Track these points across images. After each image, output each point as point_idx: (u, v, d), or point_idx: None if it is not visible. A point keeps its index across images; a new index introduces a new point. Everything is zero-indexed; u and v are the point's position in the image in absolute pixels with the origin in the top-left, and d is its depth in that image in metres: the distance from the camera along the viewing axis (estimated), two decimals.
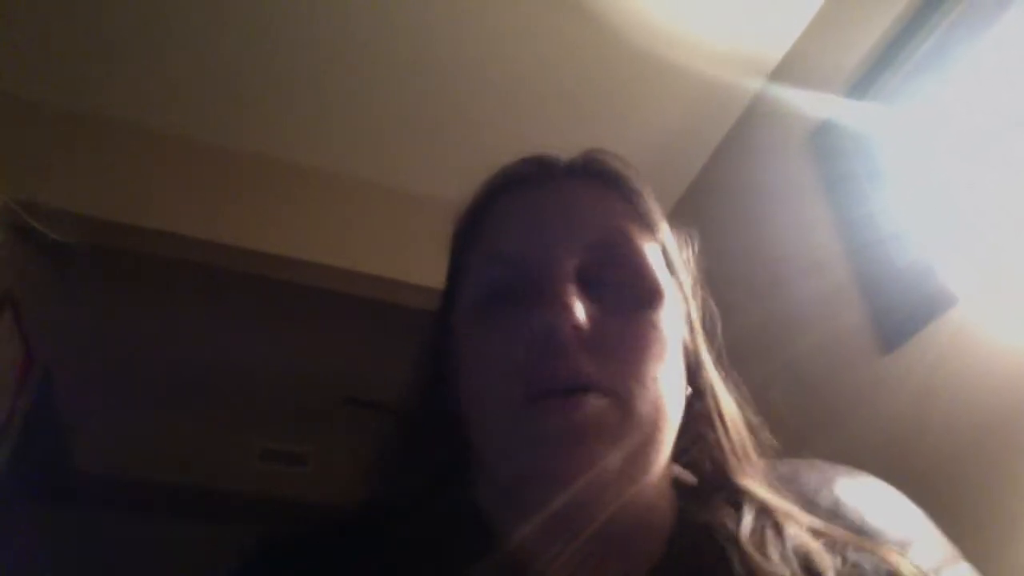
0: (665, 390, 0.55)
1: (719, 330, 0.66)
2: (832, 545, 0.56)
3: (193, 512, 2.78)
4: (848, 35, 1.54)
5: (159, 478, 2.81)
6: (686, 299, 0.63)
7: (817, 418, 1.33)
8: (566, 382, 0.51)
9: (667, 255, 0.61)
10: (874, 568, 0.55)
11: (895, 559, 0.56)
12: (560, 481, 0.50)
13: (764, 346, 1.48)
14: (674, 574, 0.55)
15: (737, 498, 0.58)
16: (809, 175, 1.55)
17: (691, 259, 0.66)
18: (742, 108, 1.88)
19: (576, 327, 0.52)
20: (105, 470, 2.75)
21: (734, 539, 0.55)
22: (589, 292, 0.55)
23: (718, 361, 0.64)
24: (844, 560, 0.55)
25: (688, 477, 0.62)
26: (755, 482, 0.60)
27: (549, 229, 0.58)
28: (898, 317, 1.25)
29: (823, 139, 1.53)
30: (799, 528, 0.57)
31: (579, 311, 0.52)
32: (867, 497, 0.66)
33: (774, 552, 0.54)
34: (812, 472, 0.68)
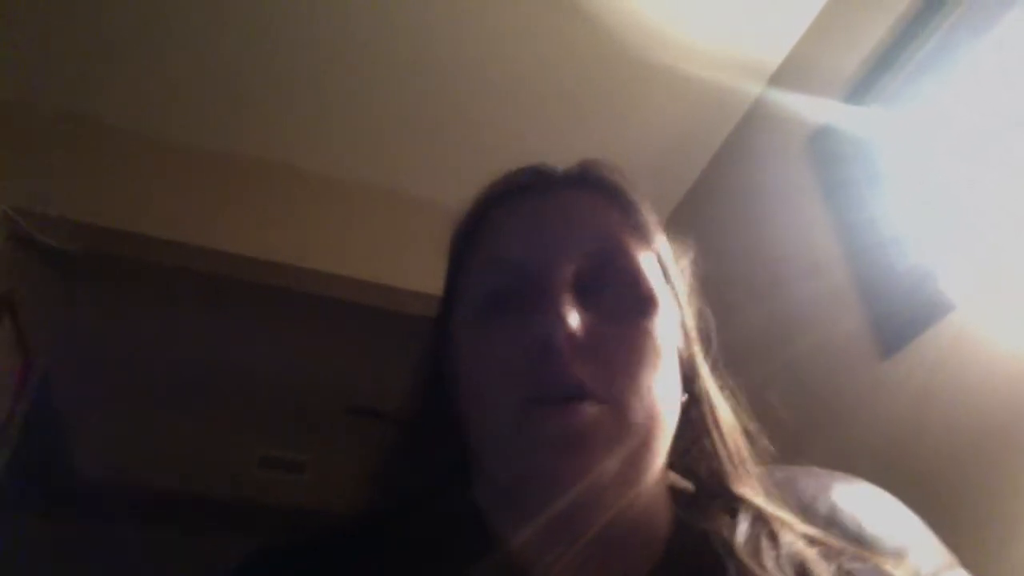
0: (660, 397, 0.55)
1: (715, 337, 0.66)
2: (827, 553, 0.57)
3: (190, 518, 2.78)
4: (848, 38, 1.54)
5: (157, 484, 2.81)
6: (681, 307, 0.63)
7: (816, 422, 1.33)
8: (562, 389, 0.52)
9: (662, 264, 0.62)
10: None
11: (891, 568, 0.56)
12: (559, 484, 0.51)
13: (763, 350, 1.48)
14: None
15: (733, 505, 0.59)
16: (809, 179, 1.55)
17: (687, 268, 0.67)
18: (742, 111, 1.88)
19: (571, 335, 0.52)
20: (103, 475, 2.75)
21: (730, 547, 0.55)
22: (585, 300, 0.55)
23: (714, 368, 0.65)
24: (839, 568, 0.55)
25: (685, 484, 0.63)
26: (751, 489, 0.60)
27: (547, 237, 0.59)
28: (897, 322, 1.25)
29: (823, 143, 1.53)
30: (795, 536, 0.57)
31: (573, 319, 0.53)
32: (864, 504, 0.66)
33: (769, 560, 0.54)
34: (809, 479, 0.68)
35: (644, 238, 0.61)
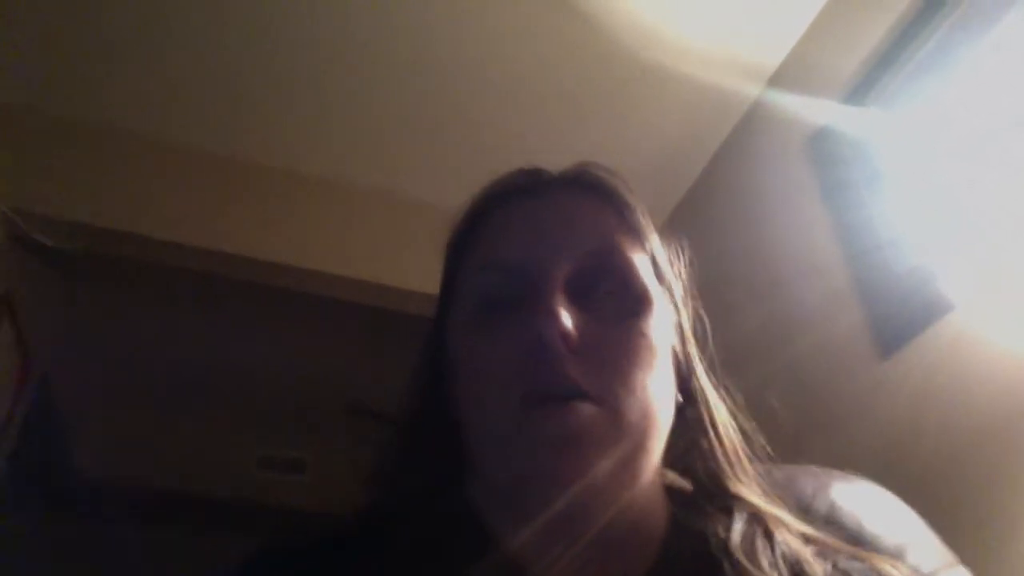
0: (654, 398, 0.55)
1: (711, 338, 0.66)
2: (823, 552, 0.57)
3: (190, 518, 2.78)
4: (847, 39, 1.54)
5: (156, 484, 2.80)
6: (677, 308, 0.64)
7: (815, 422, 1.33)
8: (559, 387, 0.52)
9: (657, 265, 0.62)
10: None
11: (887, 568, 0.56)
12: (557, 484, 0.51)
13: (763, 350, 1.48)
14: None
15: (729, 505, 0.59)
16: (808, 179, 1.56)
17: (682, 270, 0.67)
18: (742, 112, 1.88)
19: (565, 333, 0.52)
20: (103, 475, 2.75)
21: (725, 546, 0.55)
22: (580, 301, 0.56)
23: (711, 369, 0.65)
24: (835, 567, 0.56)
25: (682, 484, 0.63)
26: (748, 489, 0.60)
27: (544, 238, 0.59)
28: (896, 322, 1.25)
29: (822, 143, 1.53)
30: (790, 535, 0.57)
31: (566, 319, 0.53)
32: (863, 502, 0.66)
33: (764, 559, 0.54)
34: (808, 478, 0.68)
35: (639, 239, 0.62)
